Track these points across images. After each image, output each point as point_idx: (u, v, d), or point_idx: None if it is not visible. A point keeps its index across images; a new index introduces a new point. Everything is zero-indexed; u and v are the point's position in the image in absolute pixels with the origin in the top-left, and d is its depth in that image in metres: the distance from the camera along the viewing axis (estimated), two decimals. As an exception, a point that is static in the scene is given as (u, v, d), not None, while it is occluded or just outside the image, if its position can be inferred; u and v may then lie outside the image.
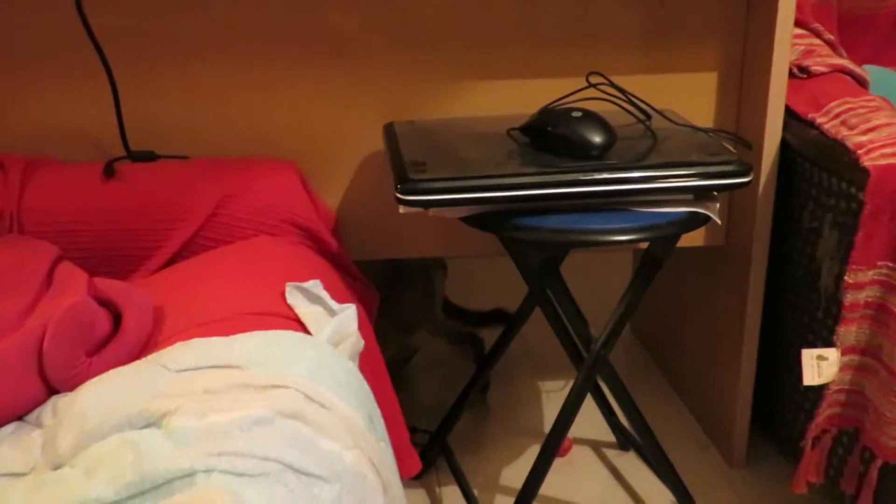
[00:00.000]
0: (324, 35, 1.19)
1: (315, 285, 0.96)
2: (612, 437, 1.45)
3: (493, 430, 1.49)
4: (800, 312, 1.23)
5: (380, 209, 1.26)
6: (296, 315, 0.91)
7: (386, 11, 1.18)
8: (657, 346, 1.67)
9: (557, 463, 1.40)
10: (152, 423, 0.72)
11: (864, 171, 1.01)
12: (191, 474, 0.63)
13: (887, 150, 1.01)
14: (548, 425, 1.49)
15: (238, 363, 0.79)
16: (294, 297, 0.93)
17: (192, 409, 0.72)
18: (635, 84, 1.25)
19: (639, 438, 1.18)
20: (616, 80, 1.20)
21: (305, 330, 0.89)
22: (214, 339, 0.83)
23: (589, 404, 1.48)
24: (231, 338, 0.83)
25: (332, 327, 0.89)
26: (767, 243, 1.25)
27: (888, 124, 1.06)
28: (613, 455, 1.41)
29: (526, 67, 1.24)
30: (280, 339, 0.83)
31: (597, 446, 1.44)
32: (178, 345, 0.83)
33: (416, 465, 1.11)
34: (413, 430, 1.46)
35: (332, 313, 0.92)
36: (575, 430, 1.46)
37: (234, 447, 0.66)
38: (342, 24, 1.18)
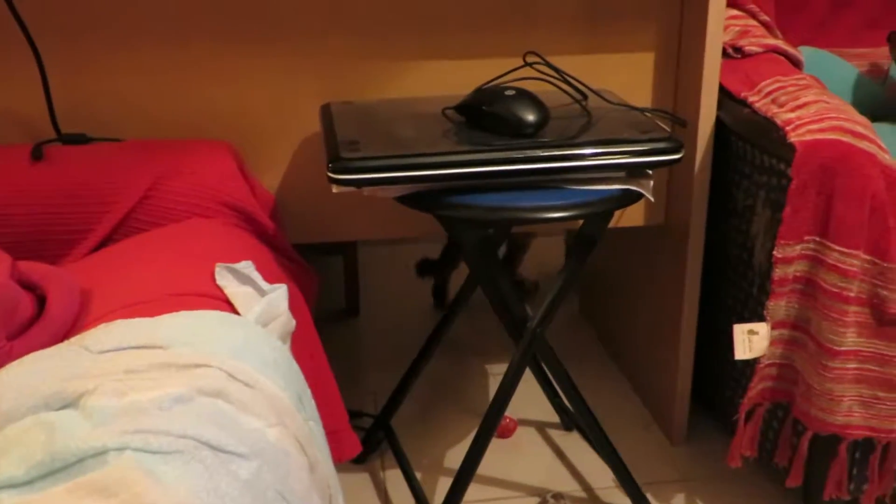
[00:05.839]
0: (259, 15, 1.17)
1: (246, 266, 0.95)
2: (556, 418, 1.46)
3: (441, 412, 1.49)
4: (736, 289, 1.25)
5: (320, 191, 1.25)
6: (225, 296, 0.90)
7: (321, -9, 1.17)
8: (603, 325, 1.69)
9: (502, 444, 1.41)
10: (69, 403, 0.71)
11: (791, 147, 1.03)
12: (103, 452, 0.62)
13: (814, 127, 1.03)
14: (494, 407, 1.50)
15: (161, 343, 0.78)
16: (224, 278, 0.92)
17: (111, 389, 0.70)
18: (575, 64, 1.26)
19: (578, 418, 1.19)
20: (555, 60, 1.21)
21: (235, 310, 0.88)
22: (138, 319, 0.82)
23: (534, 385, 1.49)
24: (156, 318, 0.82)
25: (261, 307, 0.88)
26: (704, 221, 1.27)
27: (816, 101, 1.08)
28: (558, 435, 1.42)
29: (465, 48, 1.23)
30: (206, 319, 0.82)
31: (541, 427, 1.44)
32: (101, 326, 0.81)
33: (356, 447, 1.11)
34: (359, 415, 1.46)
35: (263, 293, 0.91)
36: (520, 412, 1.47)
37: (150, 425, 0.65)
38: (278, 3, 1.17)
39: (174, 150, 1.13)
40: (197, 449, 0.64)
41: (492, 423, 1.10)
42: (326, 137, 1.06)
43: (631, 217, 1.34)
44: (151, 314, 0.83)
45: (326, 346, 1.78)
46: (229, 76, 1.19)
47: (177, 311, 0.84)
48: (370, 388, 1.57)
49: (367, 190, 1.02)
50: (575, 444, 1.39)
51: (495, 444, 1.40)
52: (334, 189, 1.01)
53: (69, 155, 1.12)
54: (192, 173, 1.09)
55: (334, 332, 1.78)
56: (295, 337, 0.97)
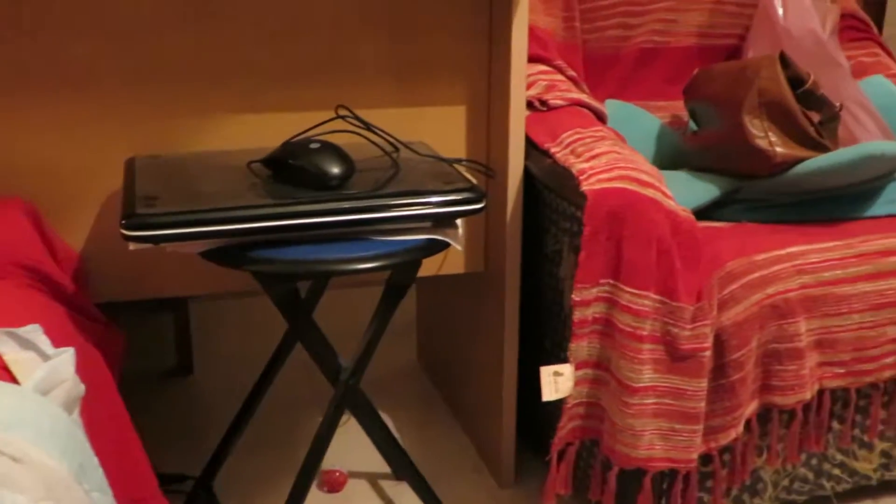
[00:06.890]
0: (60, 66, 1.13)
1: (32, 330, 0.89)
2: (388, 468, 1.45)
3: (269, 469, 1.45)
4: (552, 332, 1.29)
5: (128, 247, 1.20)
6: (4, 363, 0.85)
7: (128, 43, 1.15)
8: (438, 373, 1.70)
9: (334, 499, 1.38)
10: None
11: (584, 196, 1.08)
12: None
13: (604, 176, 1.09)
14: (326, 462, 1.47)
15: (-80, 418, 0.73)
16: (4, 344, 0.86)
17: None
18: (390, 117, 1.28)
19: (396, 466, 1.19)
20: (372, 113, 1.23)
21: (13, 378, 0.83)
22: None
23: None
24: (-83, 391, 0.76)
25: (42, 373, 0.83)
26: (519, 267, 1.31)
27: (608, 152, 1.14)
28: (389, 486, 1.41)
29: (279, 101, 1.23)
30: (-27, 390, 0.77)
31: (373, 478, 1.43)
32: None
33: (167, 513, 1.06)
34: (182, 478, 1.40)
35: (46, 358, 0.87)
36: (351, 464, 1.45)
37: None
38: (80, 55, 1.13)
39: (-41, 208, 1.06)
40: (-62, 534, 0.59)
41: (305, 480, 1.09)
42: (125, 193, 1.03)
43: (452, 264, 1.37)
44: (-83, 386, 0.77)
45: (158, 406, 1.70)
46: (27, 128, 1.14)
47: (-54, 382, 0.79)
48: (202, 448, 1.51)
49: (168, 246, 1.00)
50: (405, 494, 1.39)
51: (326, 499, 1.38)
52: (131, 246, 0.98)
53: None
54: (-21, 232, 1.03)
55: (166, 391, 1.71)
56: (91, 401, 0.92)
